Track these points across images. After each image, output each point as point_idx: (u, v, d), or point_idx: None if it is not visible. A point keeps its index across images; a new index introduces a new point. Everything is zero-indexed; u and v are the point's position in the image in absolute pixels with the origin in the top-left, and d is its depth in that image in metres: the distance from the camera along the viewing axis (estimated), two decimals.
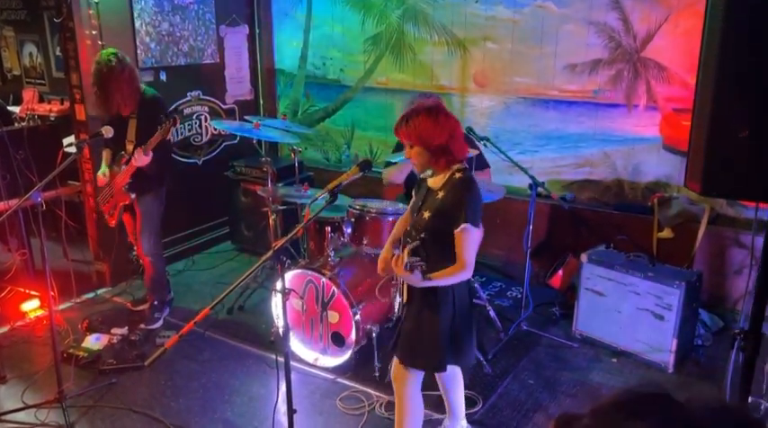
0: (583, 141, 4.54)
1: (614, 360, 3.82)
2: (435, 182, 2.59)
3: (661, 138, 4.28)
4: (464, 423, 3.09)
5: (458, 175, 2.54)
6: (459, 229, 2.45)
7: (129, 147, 3.89)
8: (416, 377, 2.71)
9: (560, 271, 4.43)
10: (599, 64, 4.36)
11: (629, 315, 3.76)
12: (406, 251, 2.38)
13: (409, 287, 2.60)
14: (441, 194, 2.54)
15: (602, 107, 4.42)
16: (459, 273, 2.46)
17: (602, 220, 4.50)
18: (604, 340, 3.90)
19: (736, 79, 1.79)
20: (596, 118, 4.47)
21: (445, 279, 2.46)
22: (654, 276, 3.65)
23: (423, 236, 2.46)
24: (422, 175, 2.68)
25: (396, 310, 2.85)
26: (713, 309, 4.11)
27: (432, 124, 2.48)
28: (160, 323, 4.24)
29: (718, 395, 2.90)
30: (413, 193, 2.83)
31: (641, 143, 4.35)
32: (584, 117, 4.50)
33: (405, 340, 2.67)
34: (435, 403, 3.18)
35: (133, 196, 3.99)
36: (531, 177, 3.89)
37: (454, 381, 2.95)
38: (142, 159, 3.77)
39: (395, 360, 2.72)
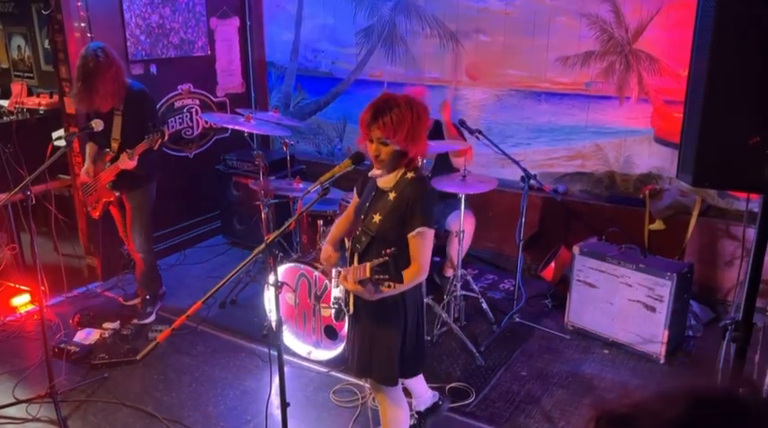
0: (575, 133, 4.55)
1: (606, 351, 3.84)
2: (386, 182, 2.40)
3: (652, 130, 4.29)
4: (429, 392, 3.04)
5: (410, 175, 2.36)
6: (414, 233, 2.30)
7: (114, 145, 3.83)
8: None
9: (552, 264, 4.44)
10: (591, 56, 4.36)
11: (621, 306, 3.78)
12: (368, 267, 2.11)
13: (356, 296, 2.37)
14: (392, 195, 2.36)
15: (594, 99, 4.43)
16: (416, 278, 2.30)
17: (594, 212, 4.51)
18: (596, 331, 3.92)
19: (728, 70, 1.79)
20: (588, 110, 4.47)
21: (400, 287, 2.20)
22: (645, 268, 3.67)
23: (390, 249, 2.09)
24: (370, 174, 2.47)
25: (334, 316, 2.61)
26: (704, 300, 4.14)
27: (415, 118, 2.29)
28: (153, 317, 4.22)
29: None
30: (357, 191, 2.63)
31: (633, 135, 4.36)
32: (576, 109, 4.51)
33: (358, 355, 2.53)
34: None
35: (117, 194, 3.95)
36: (524, 169, 3.90)
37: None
38: (127, 163, 3.72)
39: None
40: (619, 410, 0.65)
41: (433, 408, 3.05)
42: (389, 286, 2.11)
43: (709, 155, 1.83)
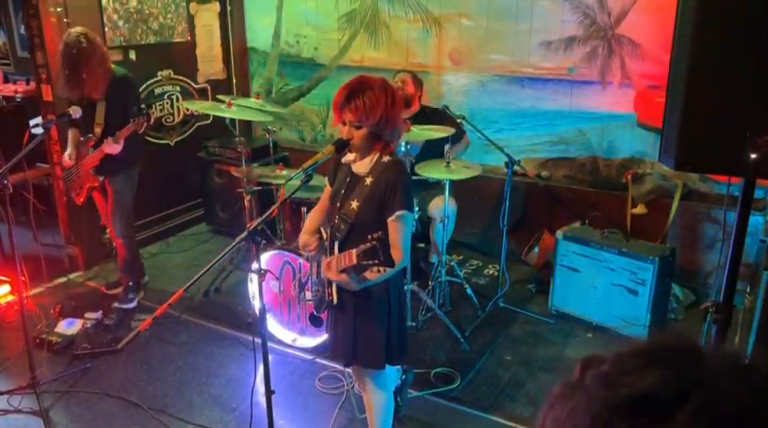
0: (558, 119, 4.56)
1: (589, 335, 3.87)
2: (361, 166, 2.36)
3: (635, 114, 4.31)
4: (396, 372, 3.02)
5: (386, 159, 2.33)
6: (393, 217, 2.27)
7: (98, 130, 3.79)
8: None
9: (536, 249, 4.46)
10: (574, 41, 4.36)
11: (604, 290, 3.81)
12: (355, 253, 2.09)
13: (340, 286, 2.37)
14: (369, 180, 2.32)
15: (577, 84, 4.43)
16: (398, 264, 2.23)
17: (578, 197, 4.53)
18: (580, 315, 3.96)
19: (710, 53, 1.79)
20: (571, 95, 4.47)
21: (381, 275, 2.20)
22: (628, 252, 3.70)
23: (376, 234, 2.08)
24: (344, 160, 2.42)
25: (315, 307, 2.62)
26: (685, 284, 4.18)
27: (389, 102, 2.25)
28: (134, 304, 4.18)
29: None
30: (328, 180, 2.58)
31: (616, 120, 4.37)
32: (559, 94, 4.51)
33: (343, 344, 2.50)
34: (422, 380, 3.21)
35: (101, 179, 3.91)
36: (507, 155, 3.90)
37: None
38: (112, 147, 3.69)
39: None
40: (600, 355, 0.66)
41: (403, 384, 3.04)
42: (379, 271, 2.09)
43: (691, 138, 1.83)
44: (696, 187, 4.20)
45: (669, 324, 3.93)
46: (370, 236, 2.07)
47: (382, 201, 2.30)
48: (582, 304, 3.93)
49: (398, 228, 2.29)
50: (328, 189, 2.59)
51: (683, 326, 3.90)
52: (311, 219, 2.65)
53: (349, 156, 2.40)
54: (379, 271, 2.11)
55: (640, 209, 4.30)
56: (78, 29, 3.71)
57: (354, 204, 2.35)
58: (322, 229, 2.59)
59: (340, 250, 2.35)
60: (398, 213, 2.28)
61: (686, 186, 4.18)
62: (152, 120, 3.71)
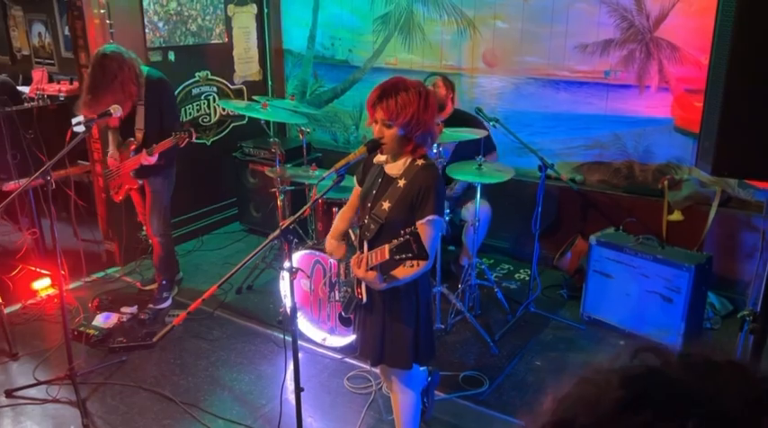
0: (593, 123, 4.50)
1: (622, 342, 3.81)
2: (394, 168, 2.38)
3: (673, 119, 4.23)
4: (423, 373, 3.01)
5: (420, 162, 2.34)
6: (424, 221, 2.28)
7: (139, 136, 3.87)
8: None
9: (569, 254, 4.41)
10: (611, 44, 4.30)
11: (638, 297, 3.75)
12: (387, 249, 2.11)
13: (369, 286, 2.41)
14: (402, 182, 2.34)
15: (614, 88, 4.37)
16: (423, 267, 2.26)
17: (612, 202, 4.47)
18: (612, 322, 3.90)
19: (750, 57, 1.75)
20: (607, 99, 4.41)
21: (408, 275, 2.25)
22: (663, 259, 3.63)
23: (409, 228, 2.10)
24: (375, 160, 2.44)
25: (344, 308, 2.63)
26: (723, 293, 4.09)
27: (422, 105, 2.27)
28: (168, 302, 4.27)
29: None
30: (357, 180, 2.61)
31: (653, 124, 4.30)
32: (594, 98, 4.45)
33: (372, 344, 2.52)
34: (450, 383, 3.20)
35: (141, 182, 4.00)
36: (541, 158, 3.86)
37: None
38: (147, 160, 3.76)
39: None
40: (554, 417, 0.61)
41: (429, 386, 3.04)
42: (412, 265, 2.10)
43: (729, 143, 1.80)
44: (735, 194, 4.10)
45: (705, 333, 3.85)
46: (402, 231, 2.08)
47: (414, 204, 2.32)
48: (614, 311, 3.87)
49: (427, 232, 2.29)
50: (357, 189, 2.61)
51: (719, 336, 3.81)
52: (340, 221, 2.67)
53: (380, 157, 2.41)
54: (412, 265, 2.12)
55: (677, 216, 4.22)
56: (109, 46, 3.72)
57: (386, 205, 2.37)
58: (351, 232, 2.60)
59: (369, 249, 2.37)
60: (429, 217, 2.29)
61: (725, 193, 4.09)
62: (194, 138, 3.73)
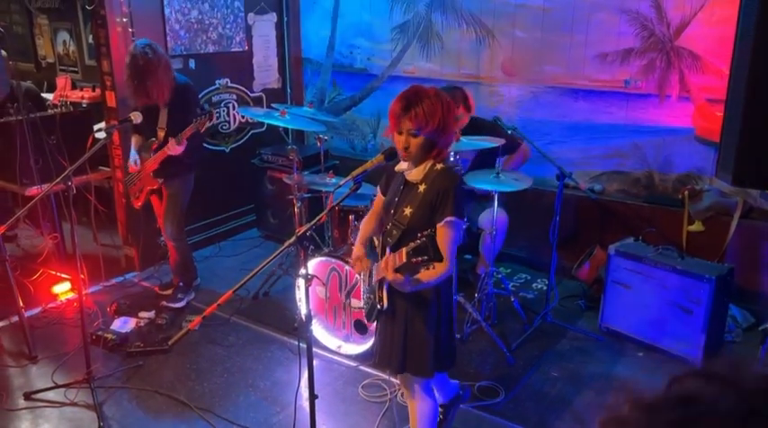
0: (613, 132, 4.46)
1: (640, 354, 3.76)
2: (415, 174, 2.39)
3: (694, 129, 4.18)
4: (451, 383, 3.00)
5: (439, 166, 2.36)
6: (443, 223, 2.29)
7: (161, 134, 3.95)
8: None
9: (587, 264, 4.37)
10: (631, 53, 4.27)
11: (657, 308, 3.70)
12: (404, 252, 2.10)
13: (390, 291, 2.40)
14: (423, 187, 2.36)
15: (634, 97, 4.33)
16: (443, 272, 2.27)
17: (631, 212, 4.42)
18: (631, 334, 3.85)
19: None
20: (627, 108, 4.38)
21: (432, 279, 2.26)
22: (683, 270, 3.58)
23: (426, 231, 2.11)
24: (397, 168, 2.46)
25: (366, 315, 2.63)
26: (745, 305, 4.02)
27: (446, 110, 2.29)
28: (183, 303, 4.30)
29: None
30: (381, 189, 2.63)
31: (673, 134, 4.25)
32: (614, 107, 4.42)
33: (392, 351, 2.51)
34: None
35: (161, 181, 4.05)
36: (559, 167, 3.84)
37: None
38: (175, 148, 3.83)
39: None
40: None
41: (456, 399, 3.02)
42: (429, 268, 2.10)
43: (750, 153, 1.78)
44: (757, 204, 4.03)
45: (726, 346, 3.78)
46: (419, 234, 2.08)
47: (434, 207, 2.32)
48: (633, 322, 3.82)
49: (447, 234, 2.29)
50: (380, 197, 2.63)
51: (740, 349, 3.75)
52: (364, 227, 2.69)
53: (402, 165, 2.43)
54: (428, 268, 2.11)
55: (697, 227, 4.16)
56: (143, 40, 3.87)
57: (408, 210, 2.38)
58: (374, 239, 2.61)
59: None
60: (448, 219, 2.29)
61: (746, 203, 4.03)
62: (214, 118, 3.84)
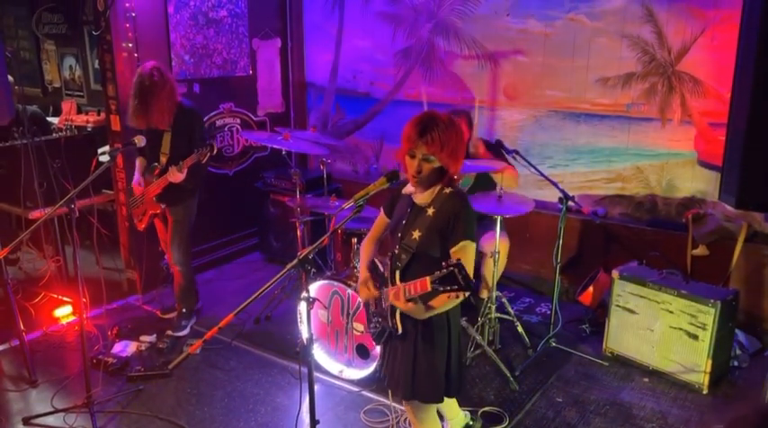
0: (615, 155, 4.47)
1: (646, 379, 3.72)
2: (423, 198, 2.40)
3: (696, 153, 4.19)
4: (461, 413, 3.03)
5: (447, 190, 2.37)
6: (457, 247, 2.28)
7: (163, 160, 3.95)
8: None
9: (591, 288, 4.35)
10: (632, 77, 4.30)
11: (662, 333, 3.67)
12: (428, 280, 2.08)
13: (403, 316, 2.40)
14: (431, 211, 2.36)
15: (635, 121, 4.35)
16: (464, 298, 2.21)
17: (635, 236, 4.41)
18: (636, 358, 3.81)
19: None
20: (629, 132, 4.39)
21: (446, 304, 2.25)
22: (688, 294, 3.56)
23: (452, 261, 2.04)
24: (404, 190, 2.48)
25: (375, 339, 2.60)
26: (751, 330, 3.98)
27: (460, 139, 2.31)
28: (186, 331, 4.27)
29: None
30: (385, 211, 2.63)
31: (675, 158, 4.26)
32: (616, 131, 4.44)
33: (403, 376, 2.49)
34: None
35: (163, 206, 4.06)
36: (562, 191, 3.84)
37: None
38: (176, 176, 3.83)
39: None
40: None
41: None
42: (458, 296, 2.06)
43: (753, 176, 1.78)
44: (762, 228, 4.02)
45: (733, 372, 3.74)
46: (444, 263, 2.05)
47: (444, 232, 2.31)
48: (638, 346, 3.79)
49: (463, 258, 2.25)
50: (382, 219, 2.63)
51: (746, 375, 3.70)
52: (366, 253, 2.67)
53: (409, 188, 2.43)
54: (457, 296, 2.07)
55: (701, 251, 4.14)
56: (152, 63, 3.90)
57: (416, 234, 2.37)
58: (376, 261, 2.60)
59: (402, 279, 2.36)
60: (462, 243, 2.29)
61: (751, 227, 4.01)
62: (215, 151, 3.84)
